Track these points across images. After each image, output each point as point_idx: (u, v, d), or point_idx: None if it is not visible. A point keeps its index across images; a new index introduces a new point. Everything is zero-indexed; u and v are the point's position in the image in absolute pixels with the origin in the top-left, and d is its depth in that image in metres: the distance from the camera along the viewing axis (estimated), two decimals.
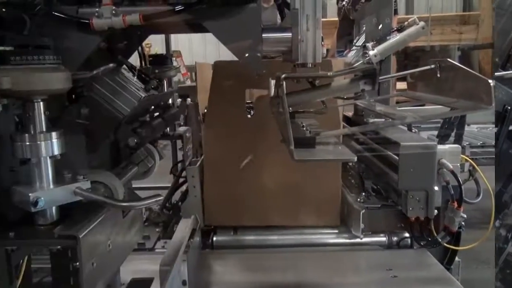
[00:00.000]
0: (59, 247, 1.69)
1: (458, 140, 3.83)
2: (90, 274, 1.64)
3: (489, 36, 12.26)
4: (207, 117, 2.98)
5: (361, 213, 2.69)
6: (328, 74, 2.09)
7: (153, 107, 2.74)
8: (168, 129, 3.71)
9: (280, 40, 2.02)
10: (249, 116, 2.96)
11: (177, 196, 3.58)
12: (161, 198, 1.63)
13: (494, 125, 4.73)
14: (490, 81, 1.97)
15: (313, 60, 2.00)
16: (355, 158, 1.80)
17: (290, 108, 2.03)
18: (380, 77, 2.24)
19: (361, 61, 2.77)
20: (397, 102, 4.26)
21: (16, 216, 1.69)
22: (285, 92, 1.94)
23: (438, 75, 2.38)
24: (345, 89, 2.20)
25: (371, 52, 2.61)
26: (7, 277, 1.67)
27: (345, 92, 2.25)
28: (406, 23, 2.81)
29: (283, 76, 1.96)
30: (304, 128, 2.15)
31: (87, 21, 1.83)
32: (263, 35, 1.98)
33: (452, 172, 2.45)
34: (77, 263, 1.58)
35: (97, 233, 1.71)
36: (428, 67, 2.44)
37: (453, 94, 2.27)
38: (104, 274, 1.79)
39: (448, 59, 2.33)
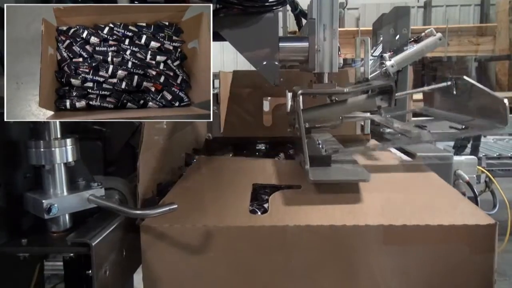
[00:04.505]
0: (71, 254, 1.68)
1: (475, 151, 3.82)
2: (103, 282, 1.63)
3: (506, 48, 12.24)
4: (225, 126, 2.97)
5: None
6: (345, 90, 2.07)
7: None
8: None
9: (296, 50, 2.02)
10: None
11: None
12: (176, 206, 1.60)
13: (510, 137, 4.70)
14: (505, 100, 1.95)
15: (329, 69, 2.00)
16: (369, 178, 1.76)
17: (307, 124, 2.02)
18: (397, 94, 2.23)
19: (378, 71, 2.77)
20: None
21: (28, 223, 1.69)
22: (301, 108, 1.93)
23: (454, 93, 2.36)
24: (361, 105, 2.19)
25: (388, 63, 2.61)
26: (19, 284, 1.66)
27: (362, 108, 2.24)
28: (423, 34, 2.80)
29: (299, 92, 1.95)
30: (320, 146, 2.13)
31: None
32: (280, 44, 1.98)
33: (468, 184, 2.43)
34: (90, 271, 1.57)
35: (111, 241, 1.70)
36: (444, 84, 2.42)
37: (468, 111, 2.25)
38: (118, 282, 1.78)
39: (465, 77, 2.31)
